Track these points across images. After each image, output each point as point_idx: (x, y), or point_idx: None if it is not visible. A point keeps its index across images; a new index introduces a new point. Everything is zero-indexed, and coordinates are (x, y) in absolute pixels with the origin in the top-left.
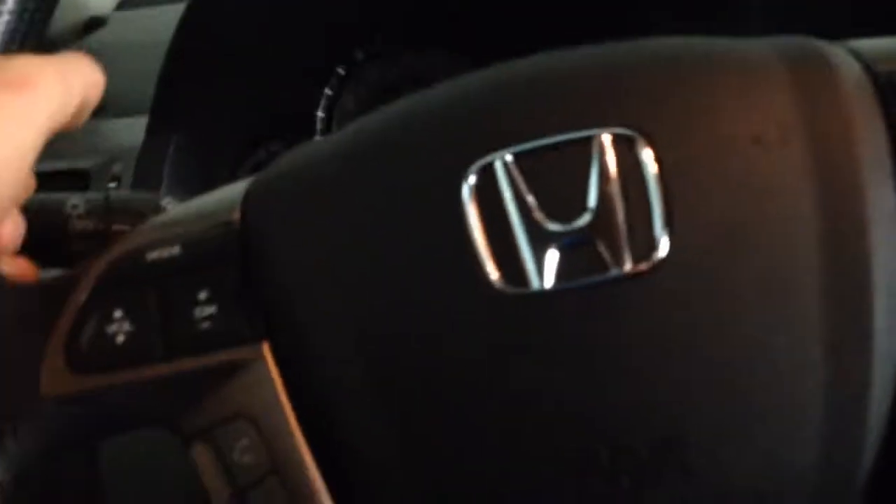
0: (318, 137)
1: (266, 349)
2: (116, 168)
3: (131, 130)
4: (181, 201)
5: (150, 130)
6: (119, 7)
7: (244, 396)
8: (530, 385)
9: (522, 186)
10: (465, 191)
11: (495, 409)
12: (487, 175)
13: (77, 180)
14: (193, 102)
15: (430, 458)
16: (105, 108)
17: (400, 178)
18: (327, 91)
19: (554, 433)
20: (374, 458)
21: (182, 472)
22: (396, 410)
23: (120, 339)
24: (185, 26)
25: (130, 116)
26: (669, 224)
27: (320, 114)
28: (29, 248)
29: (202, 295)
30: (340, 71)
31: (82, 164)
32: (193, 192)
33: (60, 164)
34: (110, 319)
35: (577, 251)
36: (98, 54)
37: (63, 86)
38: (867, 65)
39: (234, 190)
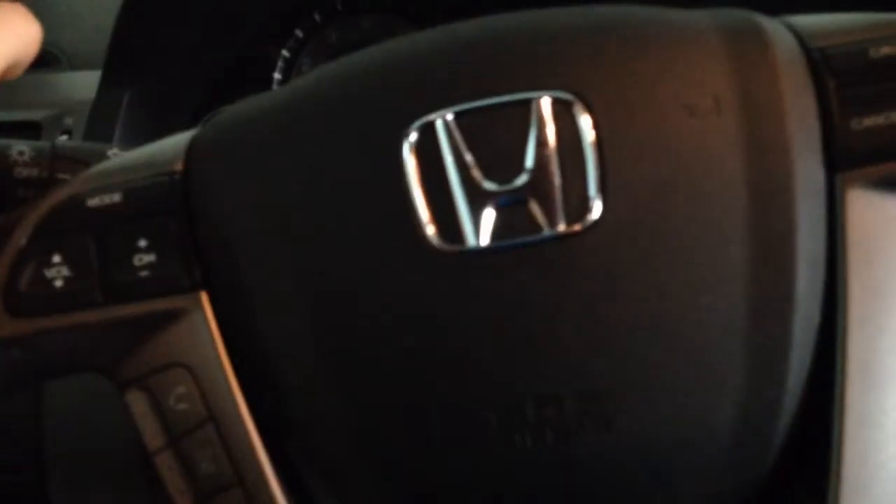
0: None
1: (204, 298)
2: (68, 121)
3: (85, 84)
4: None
5: (104, 84)
6: None
7: (181, 345)
8: (462, 340)
9: (462, 145)
10: (406, 148)
11: (429, 362)
12: (428, 133)
13: (28, 132)
14: (148, 58)
15: (364, 408)
16: (59, 61)
17: (342, 132)
18: (285, 53)
19: (484, 387)
20: (308, 408)
21: (121, 418)
22: (333, 361)
23: (58, 283)
24: None
25: (86, 70)
26: (603, 187)
27: (277, 76)
28: None
29: (142, 243)
30: (299, 33)
31: (34, 115)
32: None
33: (12, 116)
34: (49, 264)
35: (513, 211)
36: (54, 7)
37: None
38: (802, 40)
39: (178, 140)
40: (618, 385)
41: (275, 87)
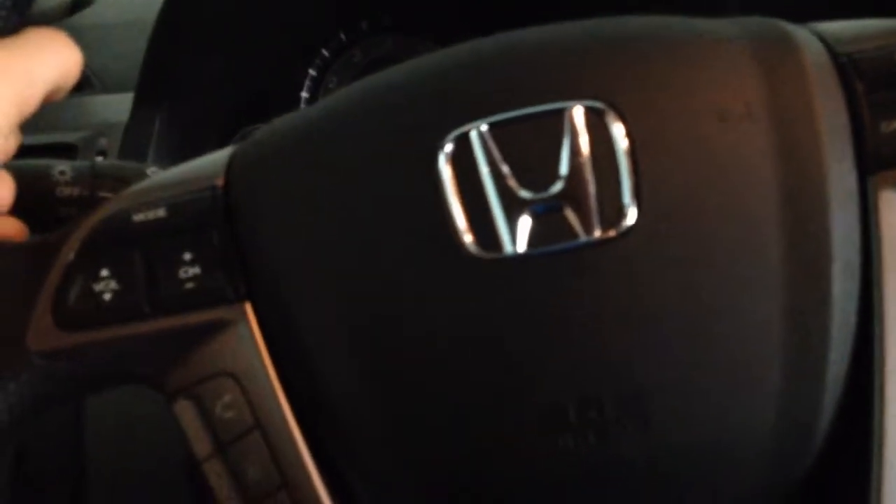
0: None
1: (248, 309)
2: (103, 142)
3: (118, 106)
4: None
5: (137, 106)
6: None
7: (227, 354)
8: (503, 345)
9: (497, 155)
10: (442, 159)
11: (471, 367)
12: (463, 144)
13: (64, 154)
14: (179, 80)
15: (404, 414)
16: (92, 85)
17: (379, 145)
18: (311, 72)
19: (524, 391)
20: (351, 413)
21: (161, 429)
22: (375, 368)
23: (106, 296)
24: (171, 4)
25: (117, 93)
26: (637, 194)
27: (305, 94)
28: (16, 212)
29: (186, 256)
30: (325, 53)
31: (69, 138)
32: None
33: (48, 138)
34: (97, 278)
35: (548, 218)
36: (86, 32)
37: (28, 66)
38: (829, 45)
39: (218, 156)
40: (657, 386)
41: (302, 105)
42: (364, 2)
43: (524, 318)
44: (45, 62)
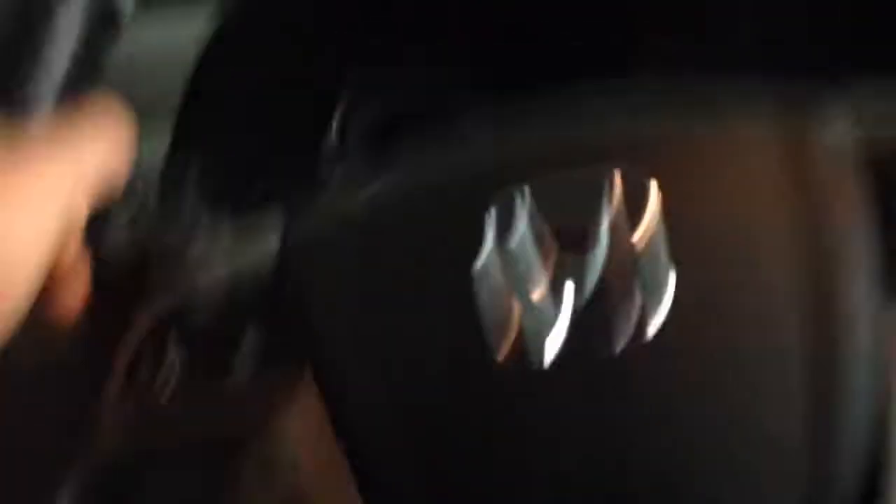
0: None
1: (302, 387)
2: (139, 185)
3: (149, 148)
4: (210, 239)
5: (171, 152)
6: None
7: (284, 419)
8: (535, 443)
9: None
10: (478, 266)
11: (505, 462)
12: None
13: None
14: (212, 128)
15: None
16: None
17: (420, 245)
18: (336, 120)
19: (558, 487)
20: (395, 489)
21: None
22: (418, 454)
23: (170, 367)
24: (205, 60)
25: (148, 138)
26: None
27: (330, 141)
28: None
29: (245, 334)
30: (347, 98)
31: None
32: (212, 211)
33: None
34: (163, 351)
35: (583, 322)
36: (118, 73)
37: (76, 166)
38: (858, 126)
39: (271, 241)
40: (685, 479)
41: (327, 153)
42: (386, 51)
43: (554, 416)
44: (93, 152)
